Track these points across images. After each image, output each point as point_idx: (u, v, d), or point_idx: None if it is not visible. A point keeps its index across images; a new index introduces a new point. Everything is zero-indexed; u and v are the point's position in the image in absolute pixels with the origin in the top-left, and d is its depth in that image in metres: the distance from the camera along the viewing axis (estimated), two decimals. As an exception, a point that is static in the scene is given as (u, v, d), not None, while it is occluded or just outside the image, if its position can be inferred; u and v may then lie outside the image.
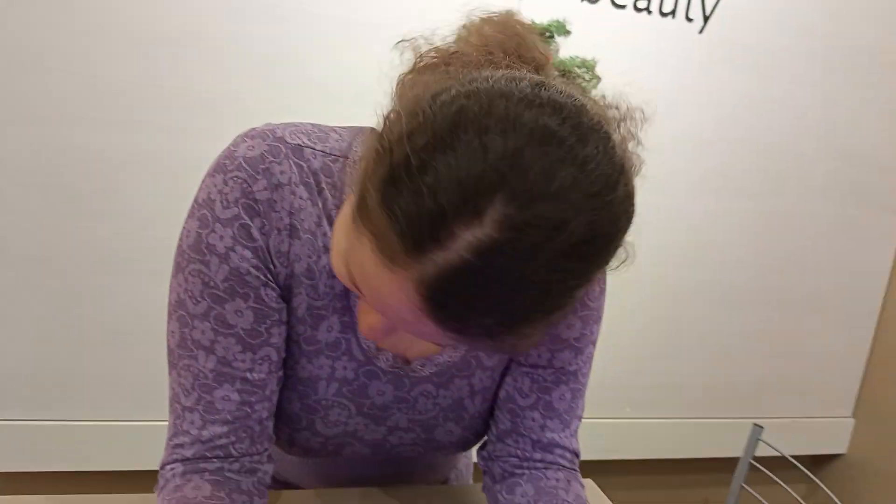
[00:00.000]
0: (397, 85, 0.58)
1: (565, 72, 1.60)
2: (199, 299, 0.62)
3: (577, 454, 0.78)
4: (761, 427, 1.83)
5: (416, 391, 0.73)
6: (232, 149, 0.63)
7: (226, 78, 1.48)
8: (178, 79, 1.46)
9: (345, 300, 0.67)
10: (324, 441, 0.74)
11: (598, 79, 1.64)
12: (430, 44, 0.60)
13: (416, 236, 0.44)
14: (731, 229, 1.94)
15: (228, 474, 0.66)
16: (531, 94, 0.46)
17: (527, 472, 0.75)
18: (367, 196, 0.47)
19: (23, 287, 1.47)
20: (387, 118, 0.50)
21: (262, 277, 0.63)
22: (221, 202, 0.61)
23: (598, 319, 0.76)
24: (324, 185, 0.64)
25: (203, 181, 0.63)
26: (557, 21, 1.59)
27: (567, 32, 1.60)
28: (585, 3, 1.70)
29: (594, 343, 0.77)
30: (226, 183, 0.61)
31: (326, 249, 0.65)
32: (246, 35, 1.47)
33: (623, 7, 1.72)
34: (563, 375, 0.74)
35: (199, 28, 1.44)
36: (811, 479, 1.69)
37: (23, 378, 1.51)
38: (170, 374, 0.66)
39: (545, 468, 0.75)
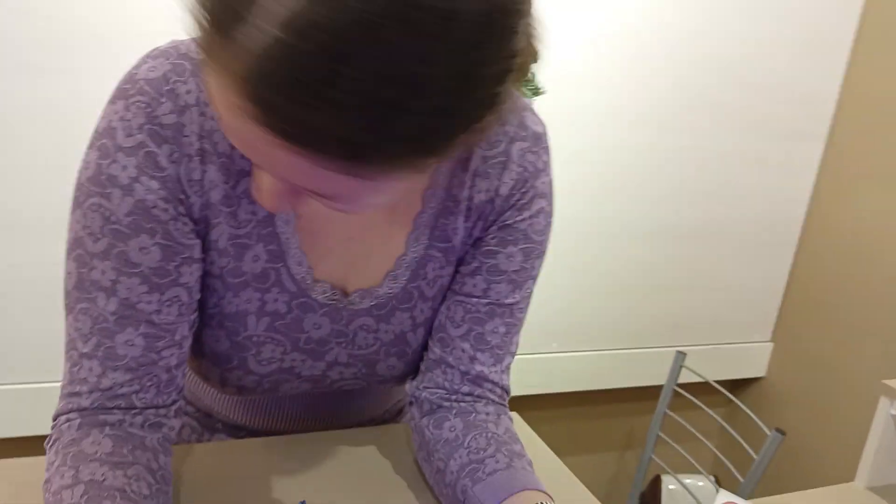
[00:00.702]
0: None
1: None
2: (98, 236, 0.57)
3: (507, 391, 0.76)
4: (684, 354, 1.88)
5: (355, 325, 0.70)
6: (133, 71, 0.57)
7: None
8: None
9: (270, 226, 0.63)
10: (258, 379, 0.70)
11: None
12: None
13: (222, 15, 0.37)
14: (649, 164, 1.95)
15: (131, 429, 0.60)
16: None
17: (455, 405, 0.73)
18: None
19: None
20: None
21: (170, 210, 0.58)
22: (123, 130, 0.56)
23: (540, 255, 0.73)
24: None
25: (104, 110, 0.58)
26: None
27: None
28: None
29: (534, 279, 0.74)
30: (127, 109, 0.56)
31: (245, 172, 0.60)
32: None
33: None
34: (497, 308, 0.71)
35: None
36: (732, 401, 1.75)
37: None
38: (66, 318, 0.60)
39: (473, 402, 0.73)
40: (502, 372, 0.74)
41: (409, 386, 0.79)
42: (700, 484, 2.03)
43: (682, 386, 1.88)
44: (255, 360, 0.69)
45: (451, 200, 0.68)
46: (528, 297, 0.75)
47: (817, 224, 2.15)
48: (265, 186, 0.49)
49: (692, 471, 1.92)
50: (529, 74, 1.70)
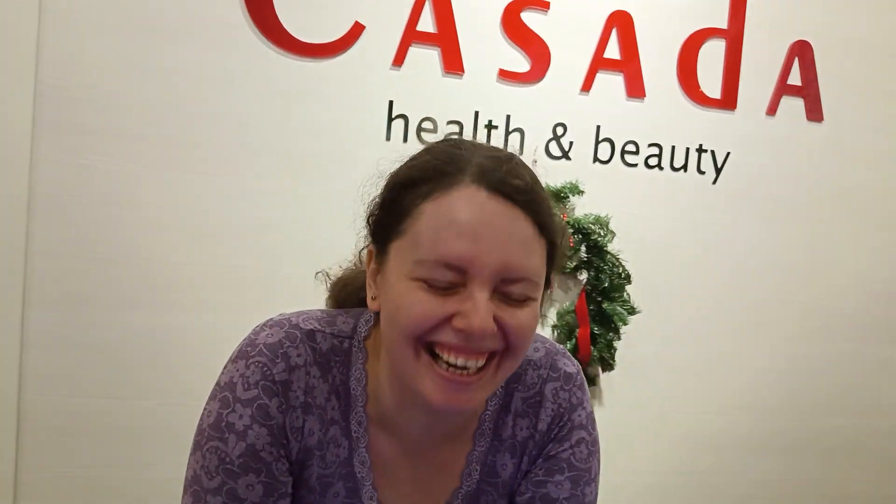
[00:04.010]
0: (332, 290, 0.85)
1: (580, 229, 1.66)
2: (213, 474, 0.67)
3: None
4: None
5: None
6: (252, 337, 0.71)
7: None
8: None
9: (349, 466, 0.73)
10: None
11: (613, 233, 1.71)
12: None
13: (453, 159, 0.66)
14: (762, 373, 1.91)
15: None
16: None
17: None
18: (401, 202, 0.67)
19: None
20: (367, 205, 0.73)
21: (274, 453, 0.69)
22: (243, 384, 0.68)
23: (589, 482, 0.78)
24: (332, 364, 0.71)
25: (225, 367, 0.71)
26: (571, 183, 1.69)
27: (580, 192, 1.69)
28: (598, 164, 1.79)
29: None
30: (247, 367, 0.68)
31: (333, 421, 0.72)
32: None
33: (635, 165, 1.81)
34: None
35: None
36: None
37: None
38: None
39: None
40: None
41: None
42: None
43: None
44: None
45: (497, 439, 0.77)
46: None
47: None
48: (476, 307, 0.62)
49: None
50: (625, 296, 1.73)
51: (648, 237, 1.81)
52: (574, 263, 1.75)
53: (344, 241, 0.81)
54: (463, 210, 0.62)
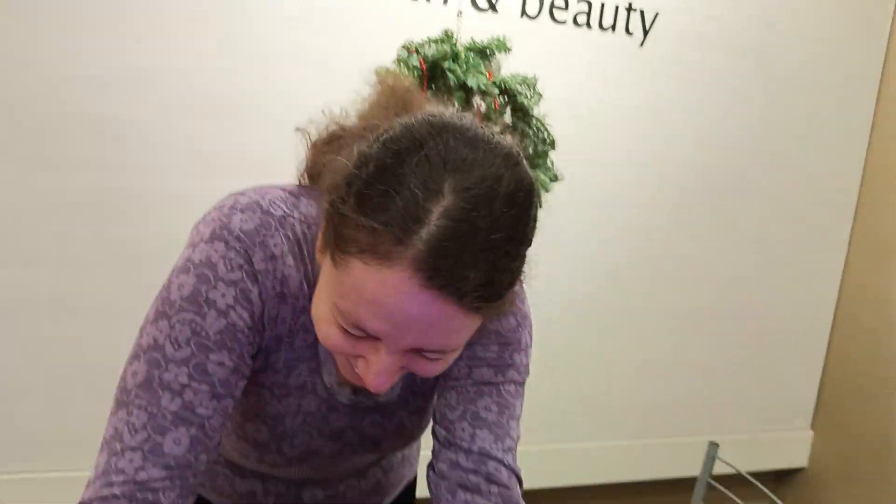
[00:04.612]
0: (312, 150, 0.73)
1: (507, 90, 1.57)
2: (182, 345, 0.66)
3: (515, 473, 0.80)
4: (717, 444, 1.80)
5: (367, 420, 0.84)
6: (225, 220, 0.69)
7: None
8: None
9: (314, 349, 0.76)
10: (289, 458, 0.84)
11: (540, 95, 1.61)
12: (337, 119, 0.73)
13: (402, 224, 0.54)
14: (679, 244, 1.93)
15: None
16: (432, 115, 0.62)
17: (469, 494, 0.78)
18: (344, 227, 0.57)
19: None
20: (328, 178, 0.63)
21: (250, 337, 0.70)
22: (225, 265, 0.67)
23: (518, 350, 0.81)
24: (305, 252, 0.72)
25: (195, 245, 0.69)
26: (498, 39, 1.57)
27: (507, 49, 1.58)
28: (525, 19, 1.67)
29: (518, 372, 0.82)
30: (228, 250, 0.67)
31: (305, 309, 0.73)
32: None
33: (563, 22, 1.70)
34: (484, 387, 0.79)
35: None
36: (769, 495, 1.66)
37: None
38: (115, 413, 0.67)
39: (486, 487, 0.78)
40: (505, 452, 0.79)
41: (427, 476, 0.84)
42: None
43: (717, 478, 1.80)
44: (289, 446, 0.82)
45: None
46: (516, 387, 0.82)
47: (850, 303, 2.10)
48: (378, 369, 0.62)
49: (733, 569, 1.81)
50: (549, 163, 1.70)
51: (574, 101, 1.73)
52: (498, 129, 1.65)
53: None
54: (390, 296, 0.57)
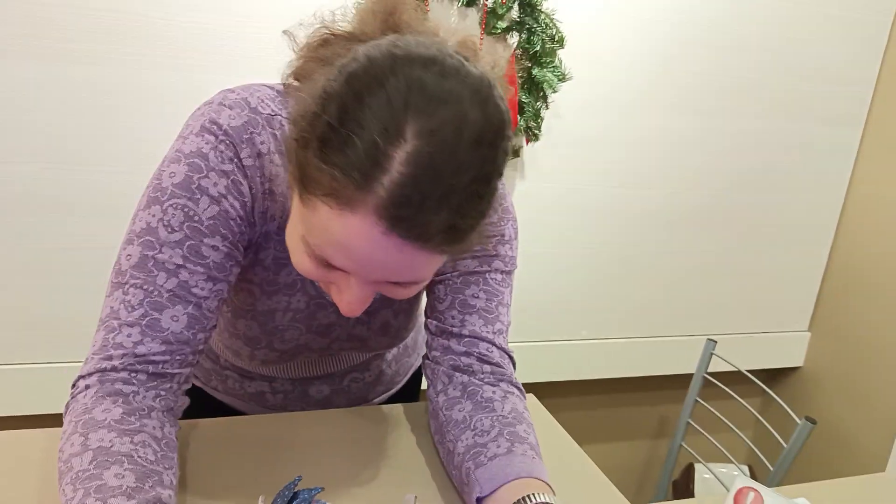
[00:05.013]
0: (301, 54, 0.69)
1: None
2: (175, 228, 0.67)
3: (507, 353, 0.84)
4: (714, 341, 1.85)
5: (353, 318, 0.85)
6: (214, 116, 0.69)
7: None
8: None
9: None
10: (280, 353, 0.87)
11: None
12: (321, 24, 0.70)
13: (363, 170, 0.53)
14: (681, 148, 1.91)
15: (143, 401, 0.67)
16: (396, 45, 0.58)
17: (461, 376, 0.81)
18: (308, 168, 0.56)
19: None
20: (295, 103, 0.60)
21: (242, 227, 0.72)
22: (216, 157, 0.68)
23: (501, 242, 0.82)
24: None
25: (185, 137, 0.69)
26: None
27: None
28: None
29: (504, 262, 0.83)
30: (218, 142, 0.68)
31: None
32: None
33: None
34: (469, 276, 0.81)
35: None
36: (766, 391, 1.72)
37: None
38: (110, 295, 0.68)
39: (479, 374, 0.81)
40: (496, 334, 0.82)
41: (423, 364, 0.87)
42: (734, 473, 2.00)
43: (716, 375, 1.85)
44: (280, 341, 0.84)
45: None
46: (503, 276, 0.83)
47: (855, 208, 2.10)
48: (350, 298, 0.63)
49: (725, 460, 1.89)
50: (556, 61, 1.68)
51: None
52: (505, 24, 1.61)
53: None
54: (354, 240, 0.57)
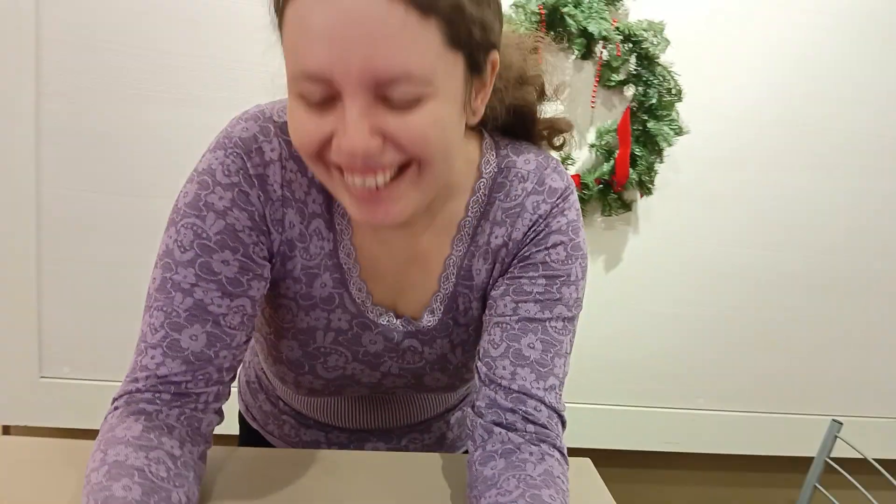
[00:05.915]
0: None
1: (631, 37, 1.52)
2: (186, 248, 0.68)
3: (556, 412, 0.77)
4: (840, 423, 1.69)
5: (404, 345, 0.82)
6: (229, 129, 0.71)
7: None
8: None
9: (335, 258, 0.76)
10: (325, 383, 0.84)
11: (667, 41, 1.54)
12: None
13: None
14: (812, 212, 1.80)
15: (167, 420, 0.68)
16: None
17: (503, 434, 0.75)
18: (270, 9, 0.59)
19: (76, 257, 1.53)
20: None
21: (254, 237, 0.71)
22: (223, 171, 0.69)
23: (567, 283, 0.77)
24: None
25: (203, 156, 0.71)
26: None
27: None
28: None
29: (567, 307, 0.78)
30: (227, 157, 0.69)
31: (315, 214, 0.74)
32: None
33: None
34: (529, 323, 0.76)
35: None
36: (894, 485, 1.54)
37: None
38: (142, 318, 0.70)
39: (521, 434, 0.75)
40: (547, 391, 0.76)
41: (468, 413, 0.82)
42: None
43: (836, 460, 1.69)
44: (323, 367, 0.82)
45: (473, 245, 0.79)
46: (565, 323, 0.78)
47: None
48: (348, 127, 0.58)
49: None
50: (674, 114, 1.61)
51: (704, 49, 1.63)
52: (621, 77, 1.59)
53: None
54: (316, 11, 0.54)
